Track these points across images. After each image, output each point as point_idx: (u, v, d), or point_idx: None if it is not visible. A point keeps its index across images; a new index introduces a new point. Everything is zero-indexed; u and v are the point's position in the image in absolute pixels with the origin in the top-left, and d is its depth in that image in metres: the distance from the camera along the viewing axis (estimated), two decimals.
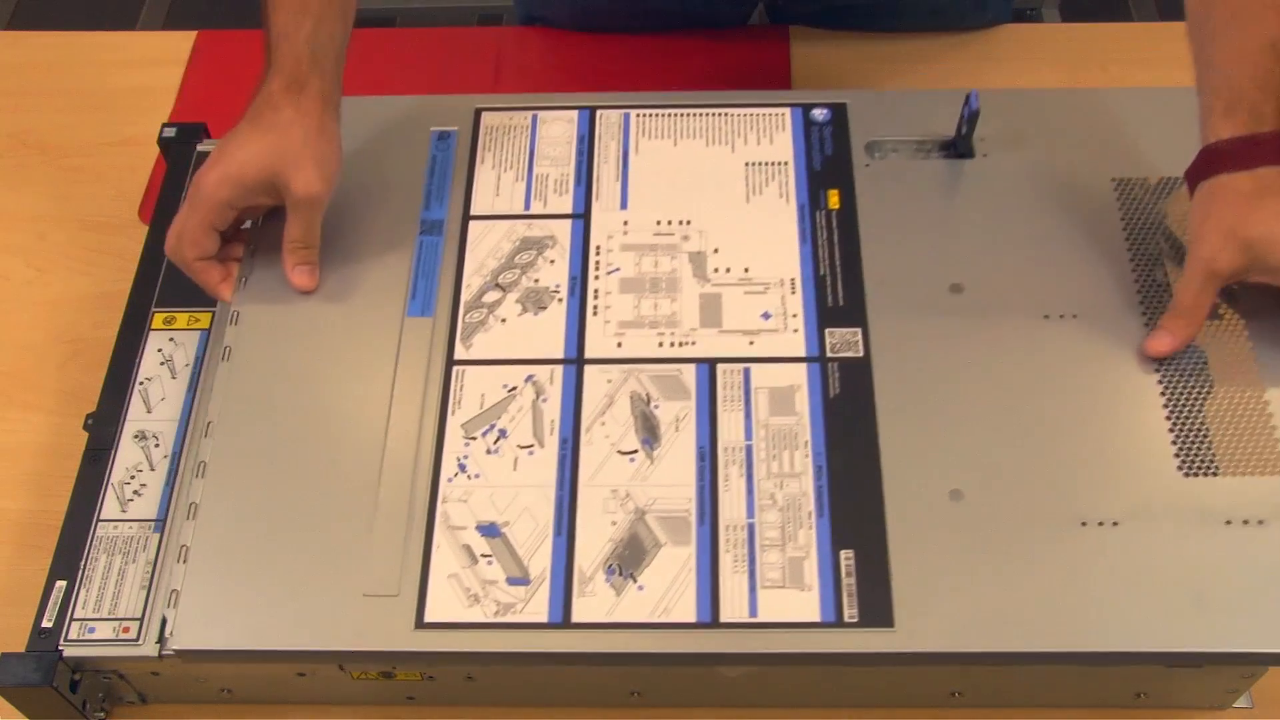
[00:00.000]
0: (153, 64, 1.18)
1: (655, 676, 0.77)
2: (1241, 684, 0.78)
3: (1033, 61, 1.14)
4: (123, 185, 1.09)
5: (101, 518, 0.81)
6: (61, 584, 0.78)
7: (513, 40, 1.19)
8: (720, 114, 0.92)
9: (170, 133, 0.99)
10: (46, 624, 0.77)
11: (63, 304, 1.02)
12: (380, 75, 1.13)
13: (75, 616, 0.77)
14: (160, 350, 0.88)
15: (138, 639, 0.76)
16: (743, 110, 0.92)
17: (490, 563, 0.73)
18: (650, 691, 0.78)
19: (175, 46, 1.19)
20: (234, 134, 0.82)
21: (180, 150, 0.98)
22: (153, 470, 0.82)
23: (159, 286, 0.91)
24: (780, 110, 0.92)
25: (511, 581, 0.73)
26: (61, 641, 0.76)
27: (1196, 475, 0.75)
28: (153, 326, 0.89)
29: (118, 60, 1.19)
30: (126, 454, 0.83)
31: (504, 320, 0.83)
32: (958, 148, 0.90)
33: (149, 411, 0.85)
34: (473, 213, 0.88)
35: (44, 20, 2.39)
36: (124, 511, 0.81)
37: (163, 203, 0.95)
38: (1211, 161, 0.78)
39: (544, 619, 0.72)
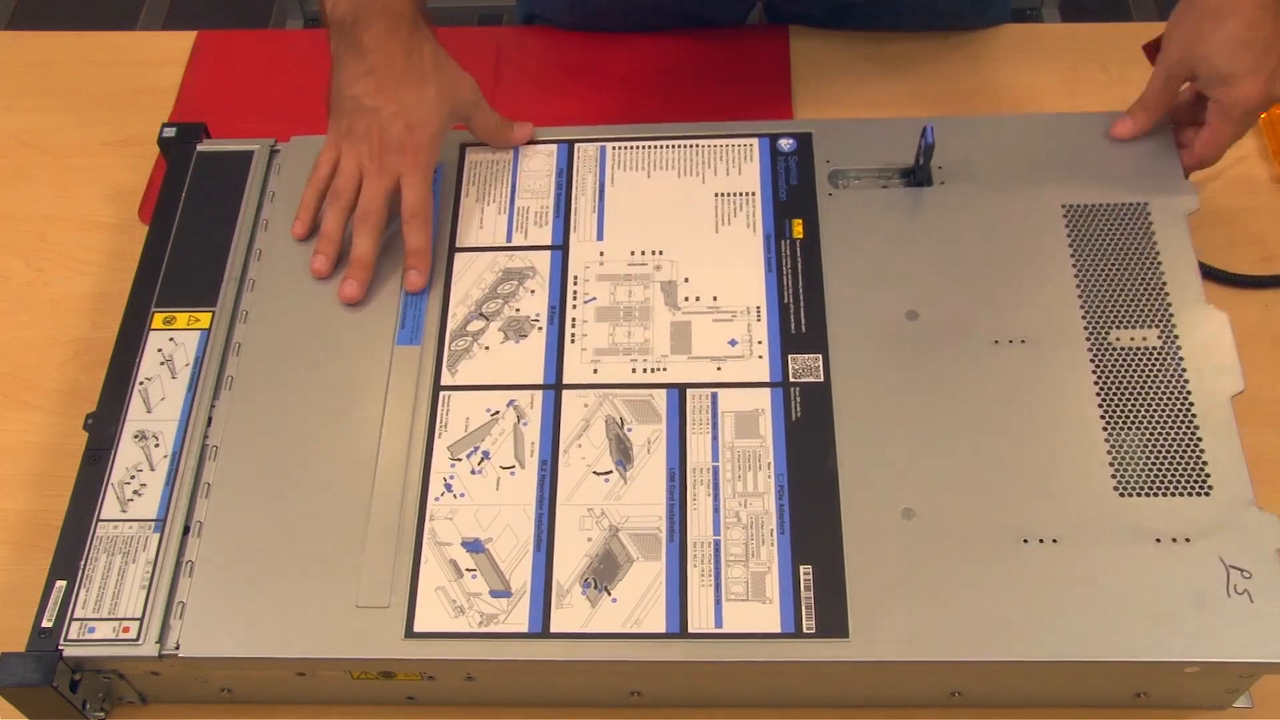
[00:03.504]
0: (153, 64, 1.18)
1: (655, 677, 0.80)
2: (1241, 684, 0.80)
3: (1033, 61, 1.15)
4: (123, 185, 1.09)
5: (101, 518, 0.81)
6: (61, 584, 0.79)
7: (513, 40, 1.20)
8: (691, 145, 0.96)
9: (170, 133, 1.00)
10: (46, 624, 0.77)
11: (63, 304, 1.02)
12: None
13: (75, 616, 0.78)
14: (160, 350, 0.88)
15: (138, 639, 0.77)
16: (713, 141, 0.97)
17: (475, 576, 0.78)
18: (650, 692, 0.81)
19: (175, 46, 1.19)
20: (401, 91, 0.89)
21: (180, 150, 0.99)
22: (153, 470, 0.83)
23: (159, 286, 0.91)
24: (748, 141, 0.97)
25: (494, 594, 0.78)
26: (61, 641, 0.77)
27: (1131, 496, 0.80)
28: (152, 326, 0.89)
29: (118, 60, 1.20)
30: (126, 454, 0.84)
31: (487, 348, 0.87)
32: (916, 176, 0.94)
33: (149, 411, 0.86)
34: (458, 245, 0.93)
35: (44, 20, 2.38)
36: (124, 511, 0.81)
37: (163, 203, 0.96)
38: None
39: (525, 629, 0.77)
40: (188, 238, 0.94)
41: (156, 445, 0.84)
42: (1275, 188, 1.06)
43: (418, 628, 0.77)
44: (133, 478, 0.83)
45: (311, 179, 0.93)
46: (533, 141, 0.98)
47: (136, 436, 0.85)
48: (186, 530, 0.81)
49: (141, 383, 0.87)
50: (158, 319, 0.90)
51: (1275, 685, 0.82)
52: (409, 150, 0.89)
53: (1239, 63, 0.87)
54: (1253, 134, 1.09)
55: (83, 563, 0.80)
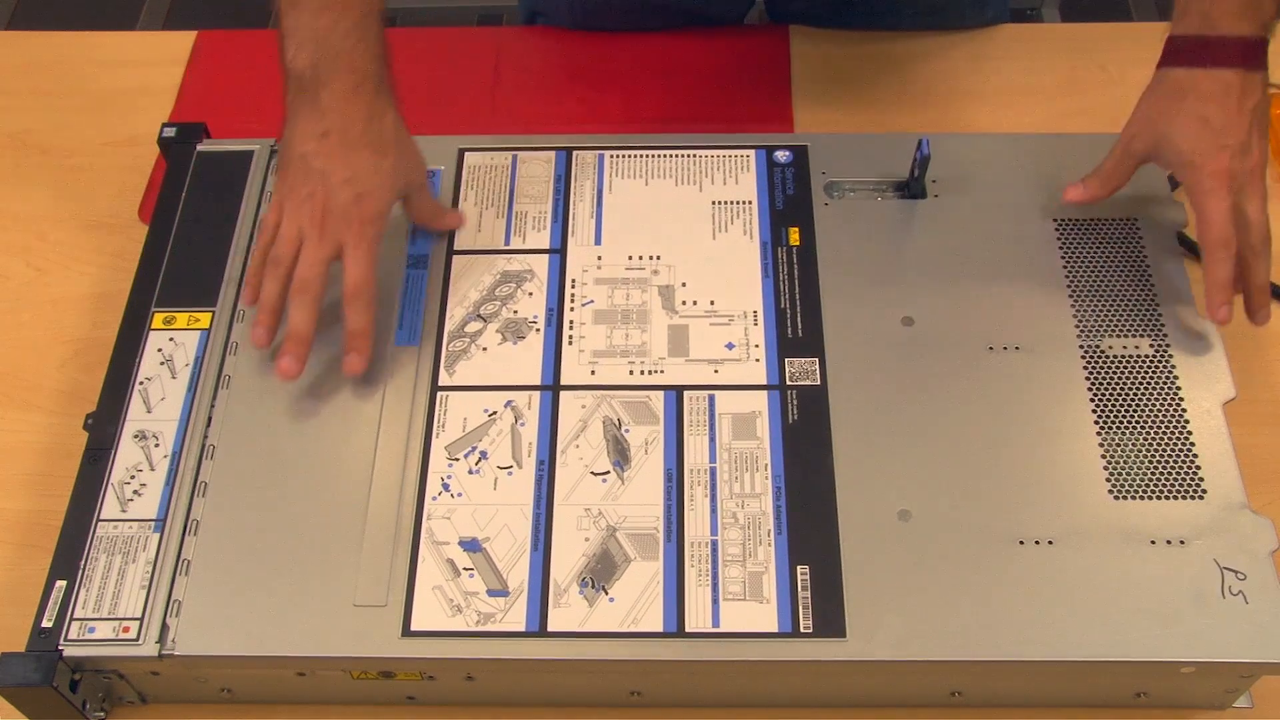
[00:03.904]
0: (153, 64, 1.18)
1: (652, 676, 0.80)
2: (1240, 684, 0.80)
3: (1033, 61, 1.15)
4: (123, 185, 1.09)
5: (101, 517, 0.81)
6: (61, 584, 0.79)
7: (513, 40, 1.20)
8: (689, 155, 0.98)
9: (170, 133, 1.00)
10: (46, 624, 0.77)
11: (63, 304, 1.02)
12: None
13: (75, 616, 0.77)
14: (160, 350, 0.88)
15: (138, 639, 0.76)
16: (710, 152, 0.98)
17: (472, 575, 0.78)
18: (650, 692, 0.81)
19: (175, 46, 1.19)
20: (354, 157, 0.84)
21: (180, 150, 0.99)
22: (153, 470, 0.83)
23: (159, 286, 0.91)
24: (745, 152, 0.98)
25: (492, 593, 0.78)
26: (61, 641, 0.76)
27: (1125, 499, 0.81)
28: (152, 326, 0.89)
29: (118, 60, 1.19)
30: (126, 454, 0.84)
31: (485, 349, 0.88)
32: (910, 189, 0.95)
33: (149, 411, 0.85)
34: (456, 248, 0.93)
35: (44, 20, 2.37)
36: (124, 511, 0.81)
37: (163, 203, 0.96)
38: (1169, 53, 0.86)
39: (522, 628, 0.77)
40: (188, 238, 0.94)
41: (156, 445, 0.84)
42: (1275, 188, 1.06)
43: (415, 626, 0.77)
44: (133, 478, 0.83)
45: (257, 243, 0.88)
46: (531, 148, 0.99)
47: (136, 436, 0.85)
48: (186, 530, 0.81)
49: (141, 383, 0.87)
50: (158, 319, 0.90)
51: (1275, 685, 0.82)
52: (355, 221, 0.84)
53: (1199, 140, 0.84)
54: None
55: (83, 563, 0.80)
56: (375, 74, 0.85)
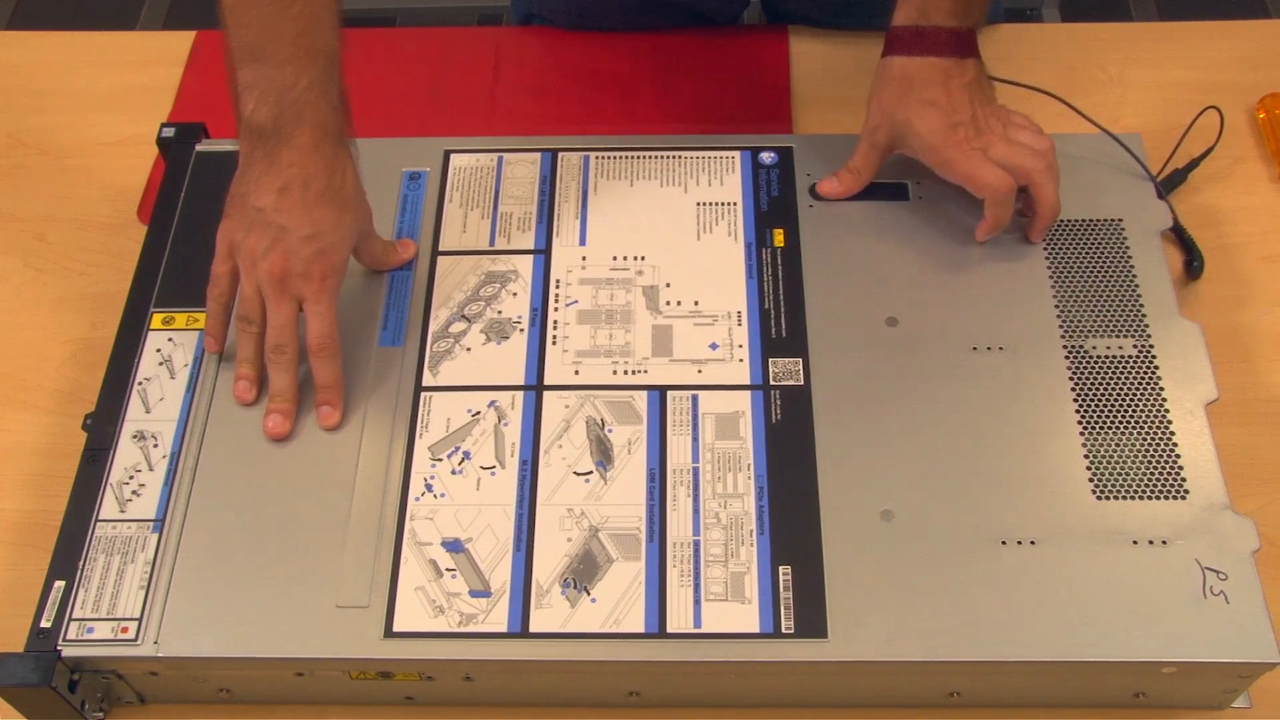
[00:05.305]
0: (153, 64, 1.18)
1: (636, 677, 0.80)
2: (1239, 684, 0.80)
3: (1033, 61, 1.13)
4: (122, 185, 1.09)
5: (100, 518, 0.81)
6: (60, 584, 0.79)
7: (512, 40, 1.20)
8: (674, 156, 0.98)
9: (169, 133, 1.00)
10: (45, 624, 0.77)
11: (62, 304, 1.02)
12: (380, 75, 1.14)
13: (74, 616, 0.78)
14: (159, 350, 0.89)
15: (136, 639, 0.77)
16: (695, 153, 0.98)
17: (454, 576, 0.79)
18: (648, 692, 0.81)
19: (175, 46, 1.19)
20: (316, 213, 0.84)
21: (180, 150, 0.99)
22: (151, 470, 0.83)
23: (158, 287, 0.92)
24: (730, 153, 0.98)
25: (474, 594, 0.78)
26: (60, 641, 0.77)
27: (1107, 499, 0.81)
28: (151, 326, 0.90)
29: (118, 60, 1.19)
30: (125, 454, 0.84)
31: (469, 349, 0.88)
32: (892, 191, 0.95)
33: (147, 411, 0.86)
34: (441, 248, 0.94)
35: (44, 20, 2.37)
36: (123, 511, 0.82)
37: (162, 203, 0.97)
38: (890, 42, 0.92)
39: (504, 629, 0.77)
40: (187, 238, 0.95)
41: (155, 445, 0.85)
42: (1275, 188, 1.06)
43: (397, 628, 0.77)
44: (131, 478, 0.83)
45: (211, 293, 0.87)
46: (517, 150, 0.99)
47: (135, 436, 0.85)
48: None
49: (140, 383, 0.88)
50: (156, 319, 0.91)
51: (1274, 685, 0.81)
52: (316, 276, 0.84)
53: (932, 122, 0.90)
54: (1252, 134, 1.10)
55: (81, 563, 0.80)
56: (336, 127, 0.85)
